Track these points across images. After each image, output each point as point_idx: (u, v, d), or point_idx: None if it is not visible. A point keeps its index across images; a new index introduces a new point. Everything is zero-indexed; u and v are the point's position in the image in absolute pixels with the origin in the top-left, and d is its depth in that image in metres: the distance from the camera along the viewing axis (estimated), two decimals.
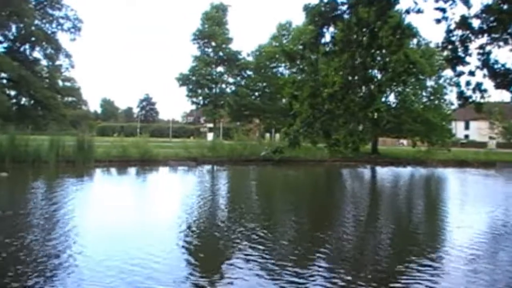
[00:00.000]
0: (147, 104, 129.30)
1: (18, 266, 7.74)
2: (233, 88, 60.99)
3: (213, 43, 59.47)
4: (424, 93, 45.17)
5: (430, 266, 8.25)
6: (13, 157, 25.61)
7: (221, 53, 59.61)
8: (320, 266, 8.17)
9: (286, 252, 9.33)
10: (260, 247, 9.33)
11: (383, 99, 39.78)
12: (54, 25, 59.38)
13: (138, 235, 10.17)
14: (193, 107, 73.29)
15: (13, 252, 8.59)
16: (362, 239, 11.07)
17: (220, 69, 61.04)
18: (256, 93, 58.64)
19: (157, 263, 8.02)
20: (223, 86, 61.14)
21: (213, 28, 58.46)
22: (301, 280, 7.33)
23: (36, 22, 57.41)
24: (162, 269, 7.68)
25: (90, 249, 8.78)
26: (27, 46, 59.30)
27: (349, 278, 7.58)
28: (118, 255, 8.35)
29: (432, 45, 39.75)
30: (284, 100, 52.32)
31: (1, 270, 7.46)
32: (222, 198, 18.35)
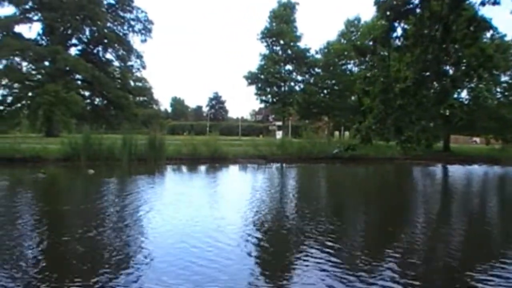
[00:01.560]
0: (217, 103, 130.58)
1: (89, 257, 7.96)
2: (302, 86, 60.59)
3: (281, 41, 59.22)
4: (498, 89, 43.73)
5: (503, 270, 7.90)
6: (87, 155, 26.45)
7: (289, 51, 59.30)
8: (391, 269, 7.94)
9: (357, 247, 9.20)
10: (330, 244, 9.19)
11: (455, 95, 38.68)
12: (125, 27, 60.78)
13: (207, 231, 10.19)
14: (262, 105, 73.27)
15: (83, 245, 8.88)
16: (433, 239, 10.72)
17: (288, 67, 60.74)
18: (325, 91, 58.12)
19: (227, 259, 8.03)
20: (292, 84, 60.81)
21: (281, 26, 58.25)
22: (371, 280, 7.18)
23: (108, 24, 58.92)
24: (230, 266, 7.66)
25: (159, 244, 8.88)
26: (100, 48, 60.91)
27: (420, 277, 7.38)
28: (186, 251, 8.40)
29: (507, 38, 38.45)
30: (353, 98, 51.76)
31: (69, 263, 7.69)
32: (292, 195, 18.24)
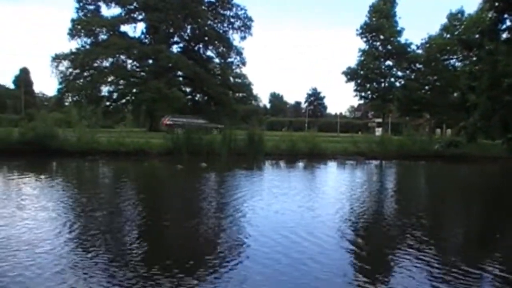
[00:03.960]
0: (315, 99, 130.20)
1: (189, 245, 8.15)
2: (402, 82, 59.49)
3: (381, 36, 58.29)
4: None
5: None
6: (189, 150, 27.13)
7: (389, 46, 58.29)
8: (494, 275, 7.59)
9: (459, 250, 8.90)
10: (427, 243, 8.95)
11: None
12: (225, 25, 61.87)
13: (305, 225, 10.15)
14: (361, 101, 72.39)
15: (181, 235, 9.11)
16: None
17: (388, 62, 59.76)
18: (426, 87, 56.78)
19: (321, 253, 7.93)
20: (392, 80, 59.82)
21: (381, 21, 57.35)
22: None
23: (209, 22, 60.18)
24: (325, 264, 7.52)
25: (256, 237, 8.87)
26: (200, 45, 62.35)
27: None
28: (283, 245, 8.38)
29: None
30: (456, 94, 50.18)
31: (171, 249, 7.88)
32: (390, 192, 17.88)
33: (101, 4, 58.57)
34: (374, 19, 58.30)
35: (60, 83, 56.28)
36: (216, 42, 60.40)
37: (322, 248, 8.27)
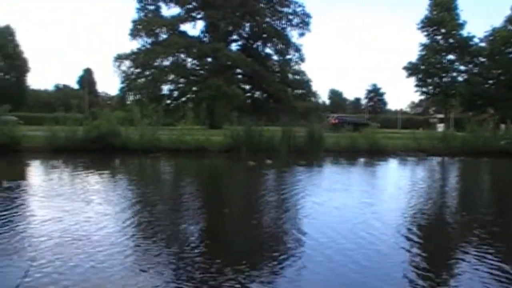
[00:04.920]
0: (375, 95, 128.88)
1: (251, 238, 8.21)
2: (465, 76, 58.16)
3: (443, 30, 57.11)
4: None
5: None
6: (249, 146, 27.30)
7: (451, 40, 57.04)
8: None
9: None
10: (493, 242, 8.70)
11: None
12: (283, 22, 61.78)
13: (364, 222, 10.02)
14: (422, 97, 71.08)
15: (240, 230, 9.21)
16: None
17: (450, 56, 58.45)
18: (490, 81, 55.36)
19: (380, 253, 7.73)
20: (454, 74, 58.50)
21: (442, 14, 56.20)
22: None
23: (267, 19, 60.28)
24: (384, 263, 7.34)
25: (314, 234, 8.78)
26: (259, 43, 62.52)
27: None
28: (340, 243, 8.27)
29: None
30: None
31: (231, 243, 7.97)
32: (453, 189, 17.52)
33: (161, 4, 59.67)
34: (435, 12, 57.22)
35: (122, 82, 57.69)
36: (274, 39, 60.42)
37: (381, 247, 8.10)
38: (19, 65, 70.09)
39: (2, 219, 9.54)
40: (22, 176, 18.39)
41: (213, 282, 6.26)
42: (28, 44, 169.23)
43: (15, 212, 10.44)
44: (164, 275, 6.50)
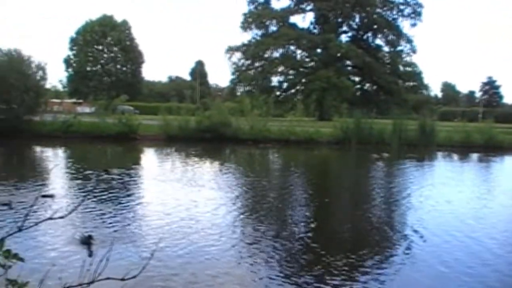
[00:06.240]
0: (490, 88, 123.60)
1: (360, 230, 8.18)
2: None
3: None
4: None
5: None
6: (358, 139, 27.09)
7: None
8: None
9: None
10: None
11: None
12: (394, 12, 60.42)
13: (478, 220, 9.65)
14: None
15: (349, 220, 9.23)
16: None
17: None
18: None
19: (494, 256, 7.30)
20: None
21: None
22: None
23: (378, 10, 59.23)
24: (497, 268, 6.88)
25: (423, 232, 8.47)
26: (369, 34, 61.58)
27: None
28: (450, 243, 7.91)
29: None
30: None
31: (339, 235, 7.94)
32: None
33: None
34: None
35: (233, 74, 58.84)
36: (385, 30, 59.35)
37: (495, 249, 7.65)
38: (135, 57, 72.77)
39: (124, 203, 10.09)
40: (137, 162, 19.34)
41: (317, 273, 6.29)
42: (143, 38, 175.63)
43: (134, 195, 11.06)
44: (268, 262, 6.61)
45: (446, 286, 6.05)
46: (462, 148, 28.17)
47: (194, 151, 23.40)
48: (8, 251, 1.95)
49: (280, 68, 57.89)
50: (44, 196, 9.95)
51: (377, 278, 6.14)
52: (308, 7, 59.78)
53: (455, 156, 26.10)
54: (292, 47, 58.29)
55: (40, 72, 29.96)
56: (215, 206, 9.83)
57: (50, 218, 2.37)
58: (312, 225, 8.91)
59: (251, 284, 5.86)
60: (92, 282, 2.12)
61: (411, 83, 62.26)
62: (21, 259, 1.98)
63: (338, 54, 55.06)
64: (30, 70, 29.34)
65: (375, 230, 8.70)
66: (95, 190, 11.07)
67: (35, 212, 8.22)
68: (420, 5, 59.83)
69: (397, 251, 7.35)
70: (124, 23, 73.86)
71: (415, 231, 8.38)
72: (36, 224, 2.53)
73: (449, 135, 29.77)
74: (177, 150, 24.18)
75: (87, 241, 6.97)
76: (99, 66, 68.53)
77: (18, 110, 27.36)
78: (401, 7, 60.23)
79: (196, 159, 20.68)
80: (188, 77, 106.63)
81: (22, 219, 2.18)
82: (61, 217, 2.49)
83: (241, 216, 9.16)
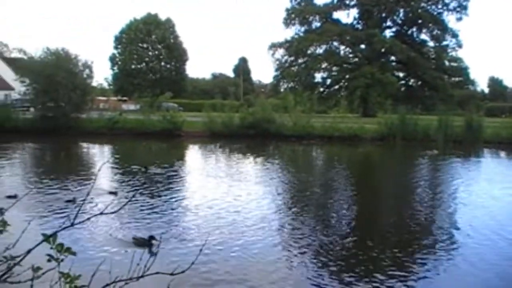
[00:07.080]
0: None
1: (401, 227, 8.18)
2: None
3: None
4: None
5: None
6: (403, 135, 26.87)
7: None
8: None
9: None
10: None
11: None
12: (439, 6, 59.41)
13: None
14: None
15: (394, 217, 9.24)
16: None
17: None
18: None
19: None
20: None
21: None
22: None
23: (422, 4, 58.34)
24: None
25: (470, 232, 8.48)
26: (414, 28, 60.71)
27: None
28: (497, 244, 7.89)
29: None
30: None
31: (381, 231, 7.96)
32: None
33: None
34: None
35: (276, 70, 58.79)
36: (430, 24, 58.41)
37: None
38: (179, 55, 73.29)
39: (175, 198, 10.32)
40: (182, 158, 19.64)
41: (365, 269, 6.35)
42: (187, 35, 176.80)
43: (180, 191, 11.29)
44: (316, 258, 6.69)
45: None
46: (510, 145, 27.60)
47: (238, 147, 23.61)
48: (61, 245, 2.03)
49: (324, 65, 57.58)
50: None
51: (425, 276, 6.19)
52: (352, 3, 59.30)
53: (503, 153, 25.64)
54: (335, 43, 57.92)
55: (87, 71, 30.72)
56: (262, 202, 10.01)
57: (102, 213, 2.50)
58: (356, 223, 8.96)
59: (301, 282, 5.95)
60: (141, 276, 2.17)
61: (457, 79, 61.18)
62: (73, 253, 2.05)
63: (382, 50, 54.52)
64: (77, 68, 30.08)
65: (420, 227, 8.71)
66: (144, 186, 11.34)
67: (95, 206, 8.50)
68: None
69: (442, 248, 7.36)
70: (168, 21, 74.42)
71: (459, 230, 8.37)
72: (88, 219, 2.68)
73: (496, 131, 29.18)
74: (221, 147, 24.44)
75: (147, 243, 7.05)
76: (143, 64, 69.12)
77: (65, 108, 28.08)
78: (447, 1, 59.14)
79: (240, 155, 20.88)
80: (231, 74, 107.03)
81: (74, 214, 2.26)
82: (113, 212, 2.64)
83: (287, 211, 9.31)
